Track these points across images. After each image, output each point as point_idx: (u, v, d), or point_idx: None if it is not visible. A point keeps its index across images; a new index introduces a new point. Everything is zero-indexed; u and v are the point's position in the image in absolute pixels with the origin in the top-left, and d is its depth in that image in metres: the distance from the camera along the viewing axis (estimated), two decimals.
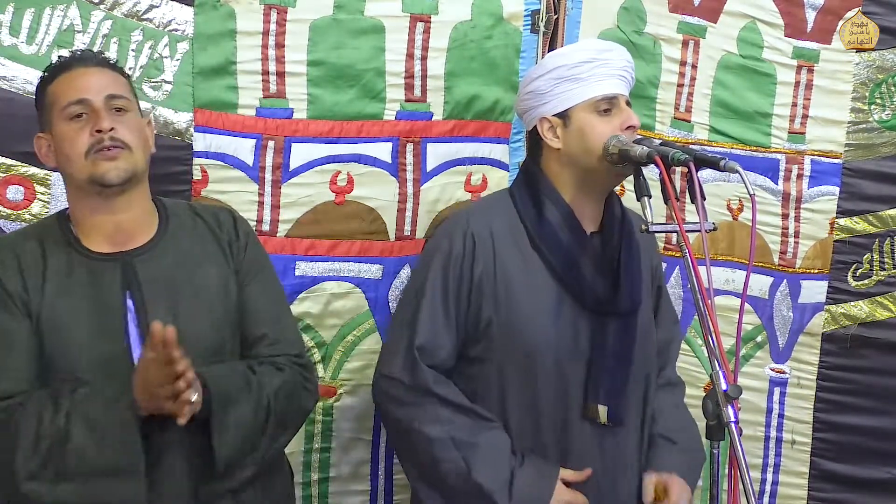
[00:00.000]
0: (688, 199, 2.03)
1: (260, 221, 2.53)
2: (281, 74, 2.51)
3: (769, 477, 3.16)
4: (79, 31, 2.32)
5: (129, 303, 1.95)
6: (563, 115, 2.27)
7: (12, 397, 1.85)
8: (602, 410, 2.24)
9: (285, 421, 2.06)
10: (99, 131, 1.92)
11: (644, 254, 2.37)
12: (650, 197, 2.01)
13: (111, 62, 2.07)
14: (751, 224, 2.02)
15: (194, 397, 1.81)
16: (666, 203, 2.00)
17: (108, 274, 1.96)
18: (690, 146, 2.82)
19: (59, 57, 2.08)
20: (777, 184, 3.07)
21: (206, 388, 1.88)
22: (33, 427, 1.80)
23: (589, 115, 2.24)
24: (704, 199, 1.90)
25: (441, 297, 2.27)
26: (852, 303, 3.13)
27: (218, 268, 2.07)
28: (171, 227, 2.07)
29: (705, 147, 2.95)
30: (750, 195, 1.83)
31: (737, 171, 1.85)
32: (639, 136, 2.20)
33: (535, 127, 2.32)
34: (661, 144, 2.11)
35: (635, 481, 2.33)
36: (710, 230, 1.90)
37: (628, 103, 2.27)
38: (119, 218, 1.99)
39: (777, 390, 3.15)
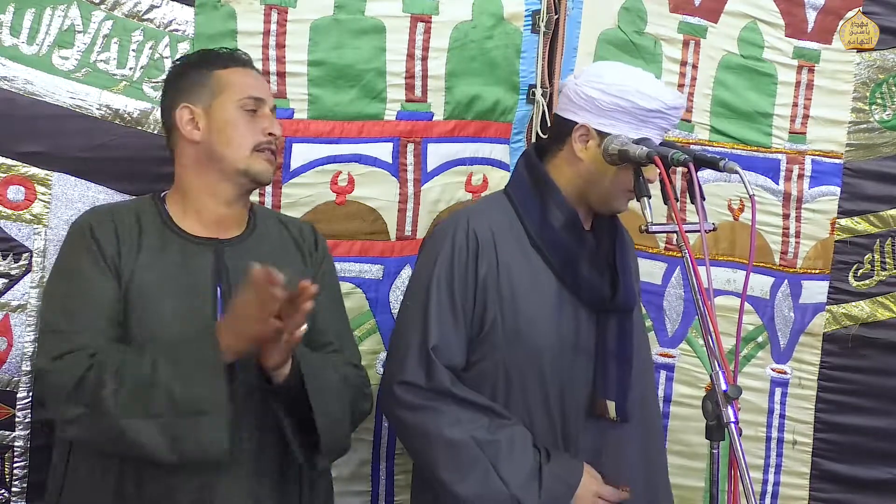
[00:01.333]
0: (688, 199, 2.03)
1: None
2: (281, 75, 2.51)
3: (770, 477, 3.16)
4: (79, 32, 2.32)
5: (218, 293, 2.02)
6: (603, 135, 2.21)
7: (92, 351, 1.88)
8: (611, 406, 2.24)
9: (353, 412, 2.14)
10: (272, 134, 2.09)
11: (631, 256, 2.39)
12: (650, 197, 2.01)
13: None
14: (751, 224, 2.02)
15: (304, 328, 1.85)
16: (666, 203, 2.00)
17: (200, 257, 2.04)
18: (691, 146, 2.83)
19: (223, 48, 2.20)
20: (778, 184, 3.07)
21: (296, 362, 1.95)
22: (115, 369, 1.85)
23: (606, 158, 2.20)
24: (704, 199, 1.91)
25: (448, 297, 2.24)
26: (853, 303, 3.13)
27: (296, 272, 2.10)
28: (259, 229, 2.16)
29: (706, 147, 2.95)
30: (749, 196, 1.83)
31: (736, 172, 1.85)
32: (639, 136, 2.19)
33: (563, 120, 2.30)
34: (660, 144, 2.11)
35: (649, 479, 2.35)
36: (710, 230, 1.91)
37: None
38: (227, 210, 2.10)
39: (778, 391, 3.14)
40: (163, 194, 2.15)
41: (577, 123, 2.25)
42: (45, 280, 2.29)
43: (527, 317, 2.25)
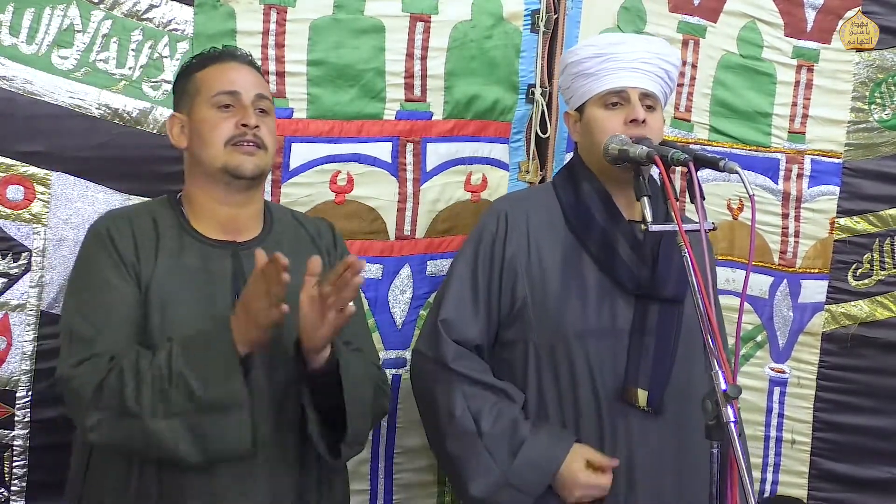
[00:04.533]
0: (687, 199, 2.03)
1: None
2: (281, 74, 2.51)
3: (769, 476, 3.16)
4: (79, 31, 2.32)
5: (236, 294, 1.99)
6: (580, 110, 2.33)
7: (112, 357, 1.87)
8: (642, 395, 2.21)
9: (374, 407, 2.12)
10: (245, 125, 2.02)
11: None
12: (650, 197, 2.01)
13: (258, 66, 2.19)
14: (751, 224, 2.02)
15: (352, 307, 1.86)
16: (665, 203, 2.00)
17: (218, 261, 2.02)
18: (690, 146, 2.83)
19: (212, 48, 2.17)
20: (777, 183, 3.08)
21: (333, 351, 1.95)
22: (133, 370, 1.84)
23: (597, 109, 2.28)
24: (704, 198, 1.90)
25: (469, 276, 2.32)
26: (852, 302, 3.13)
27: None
28: (276, 229, 2.15)
29: (705, 147, 2.95)
30: (749, 195, 1.83)
31: (736, 172, 1.85)
32: (638, 136, 2.19)
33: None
34: (660, 144, 2.11)
35: (681, 480, 2.27)
36: (710, 230, 1.91)
37: (647, 95, 2.26)
38: (235, 211, 2.07)
39: (777, 390, 3.15)
40: (178, 195, 2.13)
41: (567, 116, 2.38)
42: (44, 280, 2.30)
43: (556, 296, 2.25)
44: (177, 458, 1.84)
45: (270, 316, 1.80)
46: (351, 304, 1.85)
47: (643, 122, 2.22)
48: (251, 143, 2.03)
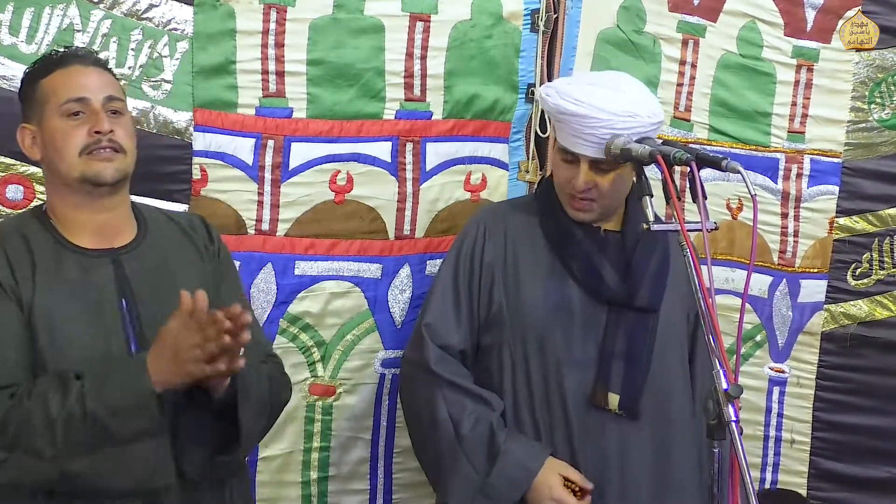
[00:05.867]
0: (688, 199, 2.03)
1: (259, 221, 2.52)
2: (280, 74, 2.51)
3: (768, 476, 3.16)
4: (78, 31, 2.32)
5: (124, 304, 1.94)
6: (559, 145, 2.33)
7: (8, 387, 1.81)
8: (613, 399, 2.25)
9: (274, 409, 2.11)
10: (98, 132, 1.92)
11: (676, 290, 2.35)
12: (652, 196, 2.01)
13: (105, 63, 2.07)
14: (751, 223, 2.02)
15: (242, 363, 1.79)
16: (667, 202, 2.00)
17: (99, 270, 1.94)
18: (690, 145, 2.82)
19: (53, 51, 2.06)
20: (776, 183, 3.08)
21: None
22: (42, 410, 1.77)
23: (558, 156, 2.32)
24: (706, 198, 1.90)
25: (451, 282, 2.37)
26: (852, 302, 3.13)
27: (196, 270, 2.07)
28: (151, 229, 2.06)
29: (705, 146, 2.95)
30: (751, 196, 1.83)
31: (738, 172, 1.85)
32: (639, 136, 2.19)
33: None
34: (662, 143, 2.11)
35: (660, 487, 2.30)
36: (712, 230, 1.90)
37: (596, 162, 2.24)
38: (104, 217, 1.98)
39: (776, 389, 3.15)
40: (44, 208, 2.02)
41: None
42: None
43: (529, 302, 2.30)
44: (102, 491, 1.82)
45: (204, 370, 1.76)
46: (242, 360, 1.79)
47: (591, 190, 2.25)
48: (107, 149, 1.93)
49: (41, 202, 2.08)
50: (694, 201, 1.90)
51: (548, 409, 2.29)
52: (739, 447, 1.70)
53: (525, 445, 2.26)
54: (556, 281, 2.31)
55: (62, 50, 2.04)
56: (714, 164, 1.93)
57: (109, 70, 2.06)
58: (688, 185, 2.11)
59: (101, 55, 2.31)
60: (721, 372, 1.75)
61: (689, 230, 1.87)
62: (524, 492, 2.23)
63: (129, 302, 1.94)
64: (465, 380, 2.33)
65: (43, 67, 1.99)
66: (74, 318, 1.89)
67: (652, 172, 2.07)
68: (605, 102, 2.19)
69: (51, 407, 1.76)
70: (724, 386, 1.74)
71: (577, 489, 2.23)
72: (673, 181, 1.92)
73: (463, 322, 2.35)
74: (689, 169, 1.92)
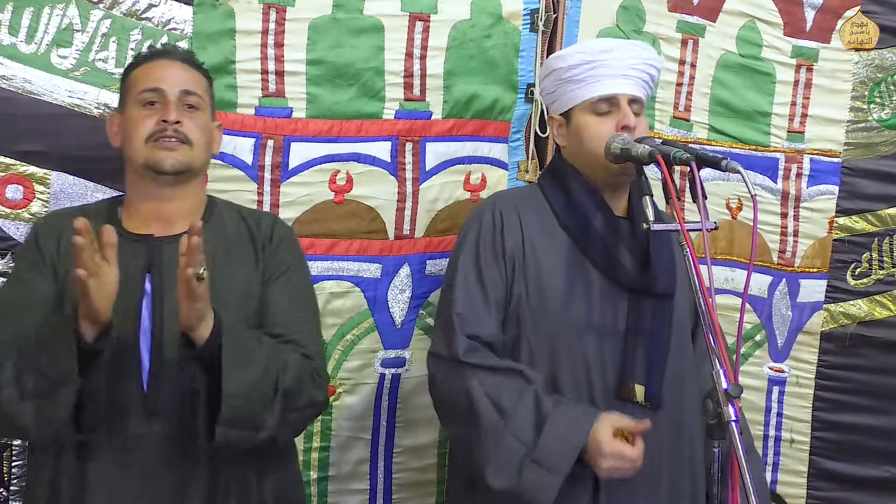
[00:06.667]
0: (688, 199, 2.03)
1: None
2: (280, 73, 2.51)
3: (768, 476, 3.16)
4: (78, 30, 2.32)
5: (148, 286, 1.99)
6: (566, 115, 2.32)
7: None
8: (639, 390, 2.20)
9: (294, 399, 2.03)
10: (165, 121, 2.03)
11: (681, 277, 2.32)
12: (651, 196, 2.01)
13: (196, 61, 2.18)
14: (751, 223, 2.02)
15: (196, 270, 1.79)
16: (667, 202, 2.00)
17: (133, 252, 2.00)
18: (689, 145, 2.82)
19: (151, 46, 2.19)
20: (776, 183, 3.08)
21: (217, 327, 1.90)
22: (11, 359, 1.87)
23: (586, 115, 2.27)
24: (706, 198, 1.90)
25: (474, 269, 2.26)
26: (851, 302, 3.14)
27: (245, 270, 2.09)
28: (211, 224, 2.11)
29: (704, 146, 2.95)
30: (751, 196, 1.83)
31: (738, 172, 1.85)
32: (640, 135, 2.20)
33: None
34: (662, 143, 2.11)
35: (678, 474, 2.26)
36: (712, 229, 1.90)
37: (635, 101, 2.27)
38: (164, 206, 2.07)
39: (776, 389, 3.15)
40: (122, 197, 2.14)
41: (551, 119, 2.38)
42: None
43: (552, 294, 2.24)
44: (27, 436, 1.94)
45: (84, 286, 1.77)
46: (199, 268, 1.79)
47: (634, 127, 2.23)
48: (172, 139, 2.03)
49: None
50: (694, 201, 1.90)
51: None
52: (739, 447, 1.70)
53: (573, 407, 2.15)
54: (578, 269, 2.25)
55: (159, 47, 2.18)
56: (714, 163, 1.93)
57: (199, 67, 2.16)
58: (688, 185, 2.11)
59: (101, 55, 2.33)
60: (721, 371, 1.75)
61: (688, 230, 1.87)
62: (579, 450, 2.06)
63: (155, 285, 1.99)
64: (499, 361, 2.20)
65: (136, 61, 2.14)
66: None
67: (652, 172, 2.07)
68: (631, 46, 2.34)
69: (9, 356, 1.87)
70: (724, 386, 1.74)
71: (630, 437, 2.10)
72: (673, 181, 1.92)
73: (492, 311, 2.25)
74: (688, 169, 1.92)
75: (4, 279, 2.12)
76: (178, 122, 2.03)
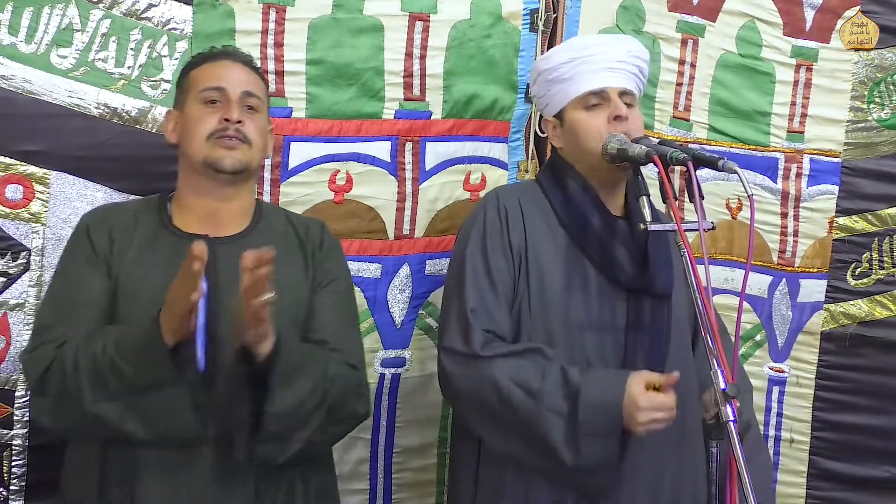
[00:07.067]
0: (686, 198, 2.04)
1: None
2: (280, 73, 2.51)
3: None
4: (77, 30, 2.32)
5: (204, 285, 1.96)
6: (559, 115, 2.33)
7: (57, 342, 1.93)
8: None
9: (337, 412, 2.04)
10: (227, 120, 2.06)
11: (679, 275, 2.33)
12: (648, 196, 2.02)
13: (256, 65, 2.23)
14: (750, 224, 2.02)
15: (268, 296, 1.80)
16: (664, 202, 2.00)
17: (187, 251, 1.97)
18: (689, 145, 2.82)
19: (212, 47, 2.23)
20: (776, 183, 3.08)
21: (276, 346, 1.91)
22: (72, 356, 1.89)
23: (578, 112, 2.28)
24: (703, 198, 1.90)
25: (483, 265, 2.25)
26: (851, 301, 3.13)
27: (295, 275, 2.11)
28: (262, 227, 2.15)
29: (704, 146, 2.95)
30: (748, 196, 1.83)
31: (735, 172, 1.85)
32: (637, 135, 2.19)
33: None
34: (659, 143, 2.11)
35: (679, 474, 2.26)
36: (709, 229, 1.90)
37: (626, 93, 2.27)
38: (217, 205, 2.10)
39: (776, 389, 3.15)
40: (170, 194, 2.17)
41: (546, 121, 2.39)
42: (43, 279, 2.30)
43: (552, 291, 2.24)
44: (125, 435, 1.88)
45: (182, 305, 1.78)
46: (269, 294, 1.79)
47: (626, 117, 2.23)
48: (233, 138, 2.06)
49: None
50: (691, 201, 1.90)
51: None
52: (737, 447, 1.70)
53: (601, 372, 2.14)
54: (576, 266, 2.26)
55: (220, 48, 2.23)
56: (710, 163, 1.93)
57: (258, 71, 2.22)
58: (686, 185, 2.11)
59: (101, 55, 2.33)
60: (719, 371, 1.75)
61: (686, 230, 1.87)
62: (619, 411, 2.03)
63: (211, 287, 1.96)
64: (516, 346, 2.18)
65: (196, 60, 2.18)
66: (152, 291, 1.96)
67: (652, 172, 2.07)
68: (615, 39, 2.41)
69: (80, 355, 1.88)
70: (722, 386, 1.74)
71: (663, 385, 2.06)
72: (669, 181, 1.92)
73: (502, 304, 2.23)
74: (686, 169, 1.93)
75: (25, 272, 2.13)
76: (239, 122, 2.07)
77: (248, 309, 1.80)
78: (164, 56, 2.40)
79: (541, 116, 2.76)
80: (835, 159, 3.11)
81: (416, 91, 2.66)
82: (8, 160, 2.28)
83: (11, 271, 2.29)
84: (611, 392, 2.06)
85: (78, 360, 1.88)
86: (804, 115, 3.08)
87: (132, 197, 2.35)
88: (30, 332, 2.27)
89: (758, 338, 3.12)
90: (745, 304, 3.06)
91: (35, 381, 1.93)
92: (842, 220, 3.12)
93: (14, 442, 2.31)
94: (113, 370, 1.86)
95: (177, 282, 1.79)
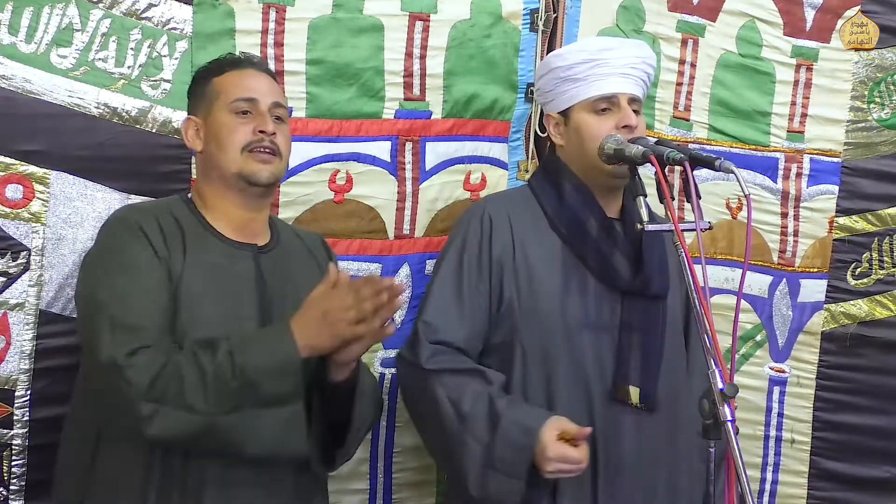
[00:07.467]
0: (685, 198, 2.04)
1: None
2: (280, 73, 2.50)
3: (769, 476, 3.16)
4: (77, 30, 2.32)
5: (258, 295, 2.04)
6: (565, 114, 2.33)
7: (163, 348, 1.87)
8: (634, 392, 2.22)
9: (372, 421, 2.19)
10: (262, 132, 2.06)
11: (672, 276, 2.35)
12: (645, 196, 2.02)
13: (274, 74, 2.25)
14: (747, 223, 2.02)
15: (393, 329, 1.90)
16: (661, 202, 2.00)
17: (242, 262, 2.05)
18: (689, 145, 2.83)
19: (229, 54, 2.24)
20: (776, 182, 3.07)
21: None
22: (194, 365, 1.83)
23: (586, 114, 2.29)
24: (700, 197, 1.90)
25: (453, 277, 2.31)
26: (851, 301, 3.13)
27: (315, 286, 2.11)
28: (282, 239, 2.18)
29: (704, 146, 2.95)
30: (745, 195, 1.83)
31: (732, 172, 1.85)
32: (635, 135, 2.20)
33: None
34: (656, 143, 2.11)
35: (673, 475, 2.29)
36: (706, 229, 1.91)
37: (634, 100, 2.29)
38: (249, 216, 2.11)
39: (777, 389, 3.14)
40: (189, 196, 2.16)
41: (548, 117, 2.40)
42: (43, 278, 2.29)
43: (545, 294, 2.26)
44: (240, 451, 1.87)
45: (355, 330, 1.84)
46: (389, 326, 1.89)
47: (635, 127, 2.24)
48: (267, 150, 2.07)
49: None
50: (688, 201, 1.90)
51: (570, 405, 2.22)
52: (735, 447, 1.70)
53: (524, 408, 2.19)
54: (571, 274, 2.27)
55: (237, 54, 2.24)
56: (707, 163, 1.94)
57: (276, 80, 2.24)
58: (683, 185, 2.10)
59: (100, 54, 2.34)
60: (717, 371, 1.75)
61: (683, 230, 1.87)
62: (530, 456, 2.11)
63: (262, 297, 2.03)
64: (461, 363, 2.25)
65: (217, 67, 2.16)
66: (216, 301, 1.98)
67: (651, 172, 2.07)
68: (631, 45, 2.40)
69: (202, 362, 1.84)
70: (720, 386, 1.74)
71: (573, 440, 2.12)
72: (666, 181, 1.92)
73: (465, 319, 2.29)
74: (683, 169, 1.93)
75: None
76: (273, 134, 2.07)
77: (376, 333, 1.87)
78: (164, 56, 2.40)
79: (541, 116, 2.76)
80: (835, 159, 3.10)
81: (416, 91, 2.66)
82: (8, 160, 2.27)
83: (11, 271, 2.29)
84: (526, 436, 2.12)
85: (203, 367, 1.83)
86: (804, 115, 3.07)
87: (132, 197, 2.35)
88: (31, 332, 2.29)
89: (758, 338, 3.12)
90: (746, 305, 3.06)
91: (143, 386, 1.81)
92: (842, 220, 3.11)
93: (14, 442, 2.31)
94: (240, 379, 1.82)
95: (339, 303, 1.83)
